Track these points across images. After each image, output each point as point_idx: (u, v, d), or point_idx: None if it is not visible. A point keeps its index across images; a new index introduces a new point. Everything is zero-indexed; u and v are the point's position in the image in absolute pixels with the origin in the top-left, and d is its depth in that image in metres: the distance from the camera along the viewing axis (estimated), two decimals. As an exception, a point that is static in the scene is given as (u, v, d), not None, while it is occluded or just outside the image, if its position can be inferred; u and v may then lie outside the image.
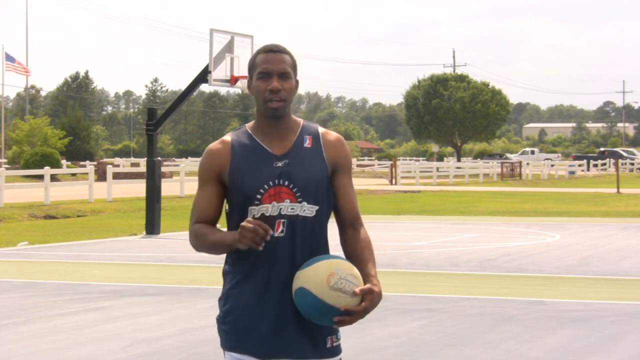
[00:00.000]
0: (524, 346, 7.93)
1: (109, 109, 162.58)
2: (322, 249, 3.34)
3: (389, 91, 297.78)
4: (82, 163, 52.45)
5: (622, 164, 67.56)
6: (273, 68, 3.33)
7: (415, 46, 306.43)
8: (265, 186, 3.30)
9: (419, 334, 8.44)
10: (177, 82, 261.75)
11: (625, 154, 78.04)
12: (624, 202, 30.49)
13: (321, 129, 3.43)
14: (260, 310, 3.29)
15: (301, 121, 3.44)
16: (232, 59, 18.85)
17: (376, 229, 19.57)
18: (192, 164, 49.71)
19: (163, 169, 29.47)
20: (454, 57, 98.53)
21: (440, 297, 10.50)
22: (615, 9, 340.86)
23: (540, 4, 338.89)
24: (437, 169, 49.80)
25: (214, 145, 3.41)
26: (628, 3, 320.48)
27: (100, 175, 37.98)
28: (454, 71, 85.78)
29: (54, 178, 35.82)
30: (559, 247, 16.26)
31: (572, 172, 59.43)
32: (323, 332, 3.33)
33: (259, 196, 3.29)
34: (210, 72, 18.59)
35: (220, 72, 18.80)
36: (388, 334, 8.42)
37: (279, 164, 3.32)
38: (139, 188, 28.55)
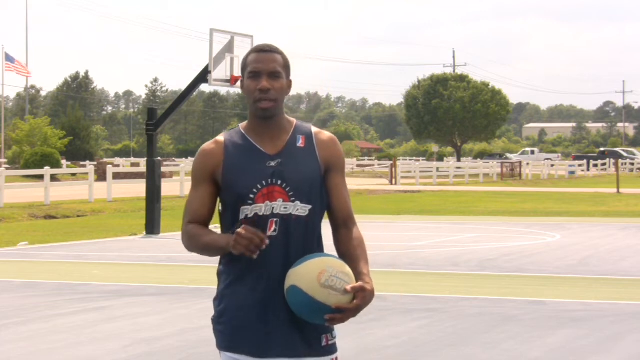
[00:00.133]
0: (524, 346, 7.93)
1: (109, 109, 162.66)
2: (315, 248, 3.33)
3: (389, 91, 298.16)
4: (82, 163, 52.45)
5: (622, 164, 67.55)
6: (263, 67, 3.34)
7: (415, 46, 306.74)
8: (259, 185, 3.29)
9: (419, 334, 8.44)
10: (177, 82, 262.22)
11: (625, 154, 78.03)
12: (624, 202, 30.49)
13: (314, 129, 3.43)
14: (255, 310, 3.29)
15: (294, 121, 3.44)
16: (232, 59, 18.84)
17: (376, 229, 19.58)
18: (192, 164, 49.64)
19: (163, 169, 29.45)
20: (454, 57, 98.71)
21: (440, 297, 10.50)
22: (615, 9, 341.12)
23: (540, 4, 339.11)
24: (437, 169, 49.79)
25: (208, 145, 3.40)
26: (628, 3, 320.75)
27: (100, 175, 37.97)
28: (454, 71, 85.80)
29: (54, 178, 35.82)
30: (559, 247, 16.26)
31: (572, 172, 59.42)
32: (318, 330, 3.32)
33: (252, 195, 3.29)
34: (210, 72, 18.60)
35: (220, 72, 18.80)
36: (388, 334, 8.42)
37: (272, 164, 3.31)
38: (139, 188, 28.55)
